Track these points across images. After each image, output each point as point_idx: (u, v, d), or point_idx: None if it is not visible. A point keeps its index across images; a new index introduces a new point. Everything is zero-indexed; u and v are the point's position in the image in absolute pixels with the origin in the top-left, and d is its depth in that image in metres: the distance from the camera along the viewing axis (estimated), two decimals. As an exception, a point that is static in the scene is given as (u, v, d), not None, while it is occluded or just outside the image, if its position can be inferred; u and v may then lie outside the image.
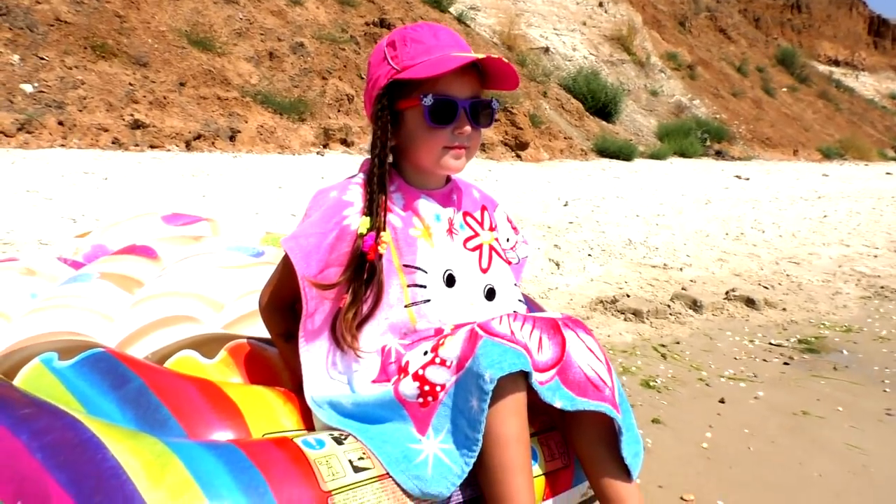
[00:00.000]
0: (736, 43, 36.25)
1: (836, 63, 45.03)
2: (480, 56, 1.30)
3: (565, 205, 7.53)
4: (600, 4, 26.74)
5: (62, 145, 8.70)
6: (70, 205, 5.16)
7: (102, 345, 1.48)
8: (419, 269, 1.40)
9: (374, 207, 1.36)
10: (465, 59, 1.29)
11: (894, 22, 51.19)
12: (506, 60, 1.33)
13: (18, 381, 1.35)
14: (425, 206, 1.44)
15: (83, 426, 1.16)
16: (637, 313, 3.53)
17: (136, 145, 9.43)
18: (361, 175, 1.44)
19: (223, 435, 1.29)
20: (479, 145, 1.44)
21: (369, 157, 1.42)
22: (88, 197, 5.61)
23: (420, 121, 1.35)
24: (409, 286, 1.39)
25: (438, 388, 1.23)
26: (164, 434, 1.24)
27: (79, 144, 8.85)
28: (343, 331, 1.35)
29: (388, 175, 1.40)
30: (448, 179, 1.51)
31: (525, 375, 1.21)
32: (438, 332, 1.39)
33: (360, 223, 1.35)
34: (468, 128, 1.36)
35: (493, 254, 1.53)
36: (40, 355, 1.40)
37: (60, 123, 9.02)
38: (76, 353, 1.39)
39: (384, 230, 1.35)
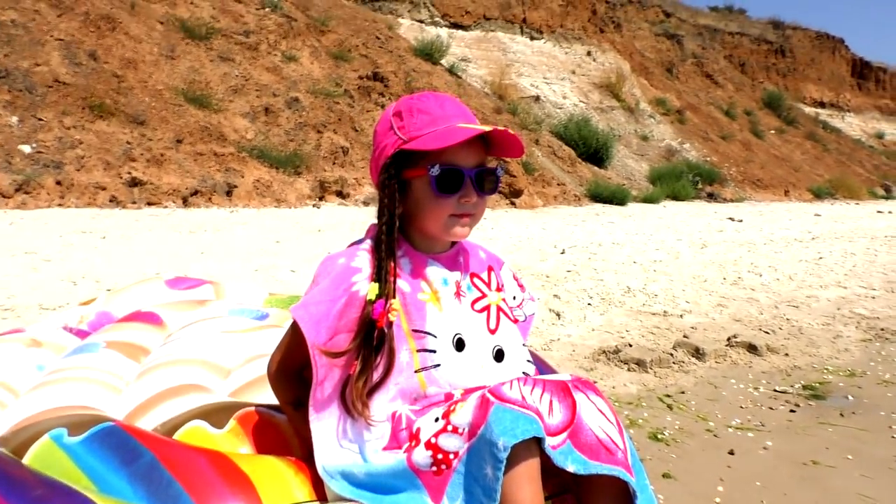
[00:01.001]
0: (723, 87, 36.96)
1: (822, 105, 45.87)
2: (487, 129, 1.34)
3: (562, 253, 7.57)
4: (588, 53, 27.32)
5: (60, 205, 8.76)
6: (69, 266, 5.17)
7: (112, 418, 1.47)
8: (429, 333, 1.40)
9: (382, 274, 1.37)
10: (472, 131, 1.33)
11: (876, 64, 52.33)
12: (511, 132, 1.36)
13: (28, 459, 1.34)
14: (433, 270, 1.45)
15: (96, 506, 1.15)
16: (640, 363, 3.52)
17: (134, 203, 9.50)
18: (369, 241, 1.45)
19: (236, 509, 1.27)
20: (484, 212, 1.46)
21: (376, 222, 1.44)
22: (87, 257, 5.62)
23: (427, 190, 1.37)
24: (418, 351, 1.39)
25: (452, 456, 1.23)
26: (176, 510, 1.23)
27: (76, 203, 8.91)
28: (354, 399, 1.34)
29: (395, 241, 1.42)
30: (454, 242, 1.53)
31: (538, 441, 1.20)
32: (448, 397, 1.38)
33: (369, 289, 1.36)
34: (474, 197, 1.39)
35: (501, 314, 1.53)
36: (50, 432, 1.39)
37: (58, 183, 9.10)
38: (86, 429, 1.38)
39: (394, 297, 1.37)
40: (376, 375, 1.35)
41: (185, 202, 10.00)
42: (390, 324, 1.35)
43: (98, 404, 1.62)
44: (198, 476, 1.31)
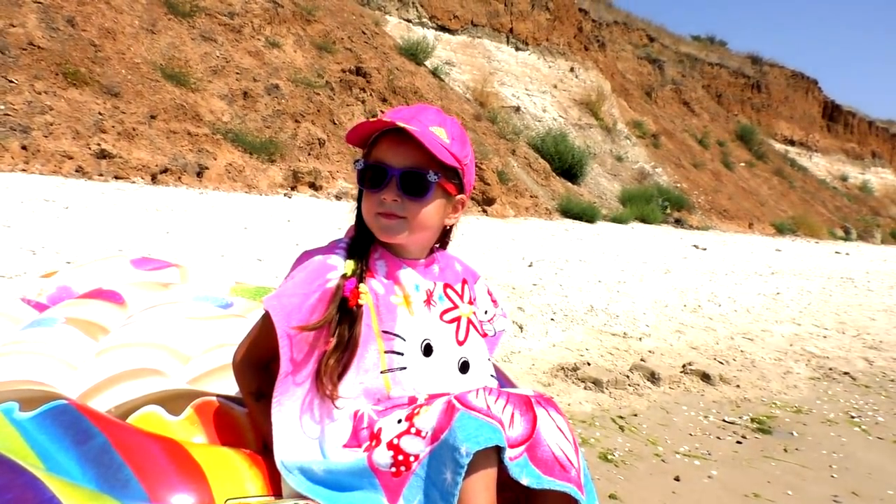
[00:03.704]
0: (698, 116, 37.57)
1: (792, 143, 46.90)
2: (372, 119, 1.38)
3: (530, 265, 7.62)
4: (571, 70, 27.56)
5: (24, 170, 8.55)
6: (29, 234, 5.05)
7: (66, 396, 1.45)
8: (398, 336, 1.42)
9: (356, 254, 1.42)
10: (368, 123, 1.39)
11: (846, 108, 53.71)
12: (402, 125, 1.34)
13: (-24, 432, 1.31)
14: (406, 275, 1.47)
15: (43, 486, 1.13)
16: (597, 382, 3.57)
17: (101, 175, 9.31)
18: (347, 240, 1.48)
19: (185, 499, 1.26)
20: (420, 216, 1.42)
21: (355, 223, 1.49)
22: (48, 226, 5.50)
23: (364, 188, 1.44)
24: (386, 352, 1.41)
25: (412, 459, 1.24)
26: (125, 496, 1.22)
27: (41, 171, 8.71)
28: (324, 377, 1.35)
29: (372, 242, 1.46)
30: (431, 251, 1.54)
31: (498, 451, 1.22)
32: (412, 400, 1.40)
33: (346, 265, 1.39)
34: (391, 196, 1.38)
35: (471, 327, 1.55)
36: (0, 405, 1.36)
37: (24, 148, 8.88)
38: (38, 405, 1.36)
39: (362, 281, 1.39)
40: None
41: (154, 179, 9.84)
42: (359, 306, 1.37)
43: (52, 381, 1.59)
44: (149, 462, 1.30)
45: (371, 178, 1.39)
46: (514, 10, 26.37)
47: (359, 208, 1.46)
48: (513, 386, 1.81)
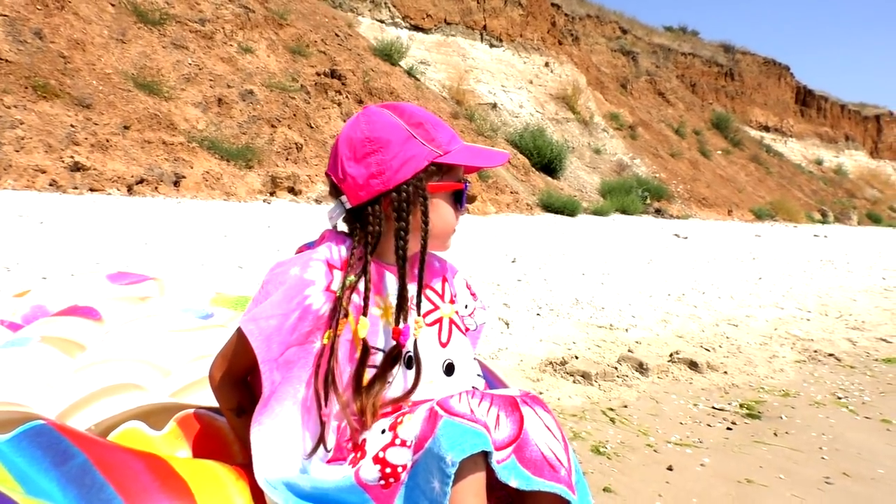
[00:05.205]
0: (674, 106, 37.83)
1: (767, 129, 47.41)
2: (507, 154, 1.45)
3: (513, 261, 7.62)
4: (546, 64, 27.63)
5: (-4, 186, 8.41)
6: (3, 251, 4.96)
7: (43, 417, 1.40)
8: (378, 349, 1.39)
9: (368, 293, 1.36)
10: (504, 155, 1.44)
11: (819, 93, 54.36)
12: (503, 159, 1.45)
13: (-50, 458, 1.27)
14: (389, 283, 1.43)
15: (22, 511, 1.09)
16: (586, 376, 3.56)
17: (76, 188, 9.18)
18: (325, 248, 1.40)
19: (171, 516, 1.23)
20: None
21: (330, 228, 1.43)
22: (23, 242, 5.41)
23: (449, 204, 1.41)
24: (367, 367, 1.38)
25: (400, 469, 1.22)
26: (107, 516, 1.18)
27: (14, 186, 8.57)
28: (365, 406, 1.35)
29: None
30: None
31: (485, 455, 1.20)
32: (396, 408, 1.37)
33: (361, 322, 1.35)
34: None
35: (453, 327, 1.52)
36: (-25, 429, 1.32)
37: (-5, 164, 8.73)
38: (14, 427, 1.32)
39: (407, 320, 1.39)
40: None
41: (130, 190, 9.72)
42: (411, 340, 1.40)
43: (29, 401, 1.54)
44: (132, 480, 1.26)
45: (464, 195, 1.43)
46: (487, 7, 26.39)
47: (404, 230, 1.36)
48: (502, 383, 1.79)
